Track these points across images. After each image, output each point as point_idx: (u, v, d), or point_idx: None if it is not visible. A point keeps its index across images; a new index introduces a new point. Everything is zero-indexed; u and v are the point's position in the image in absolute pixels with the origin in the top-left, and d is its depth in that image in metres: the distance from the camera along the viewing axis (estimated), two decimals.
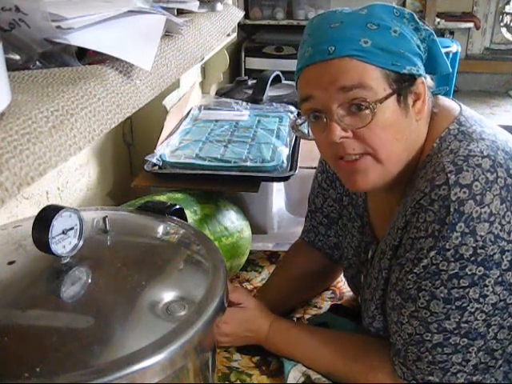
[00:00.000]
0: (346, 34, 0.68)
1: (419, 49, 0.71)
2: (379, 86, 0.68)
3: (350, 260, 0.93)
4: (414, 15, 0.72)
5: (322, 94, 0.69)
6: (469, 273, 0.65)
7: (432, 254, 0.66)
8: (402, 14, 0.71)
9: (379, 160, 0.71)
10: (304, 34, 0.74)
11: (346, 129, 0.69)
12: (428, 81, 0.74)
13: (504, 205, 0.64)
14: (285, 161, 1.12)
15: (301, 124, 0.77)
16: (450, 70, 0.77)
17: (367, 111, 0.68)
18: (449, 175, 0.65)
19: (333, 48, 0.68)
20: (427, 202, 0.67)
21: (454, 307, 0.66)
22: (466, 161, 0.66)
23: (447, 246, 0.65)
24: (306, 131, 0.77)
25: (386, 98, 0.68)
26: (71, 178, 1.07)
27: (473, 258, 0.64)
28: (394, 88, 0.69)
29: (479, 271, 0.64)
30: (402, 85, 0.69)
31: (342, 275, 1.05)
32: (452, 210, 0.64)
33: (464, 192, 0.64)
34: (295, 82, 0.76)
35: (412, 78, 0.70)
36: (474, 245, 0.64)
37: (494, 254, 0.64)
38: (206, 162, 1.12)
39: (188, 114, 1.45)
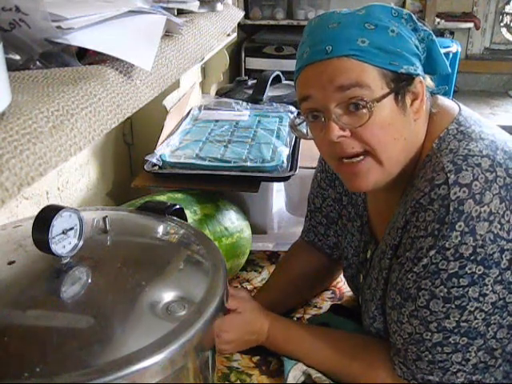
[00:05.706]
0: (343, 34, 0.68)
1: (417, 49, 0.71)
2: (377, 85, 0.68)
3: (349, 260, 0.93)
4: (413, 15, 0.73)
5: (319, 93, 0.70)
6: (468, 272, 0.65)
7: (432, 253, 0.66)
8: (400, 15, 0.71)
9: (379, 161, 0.71)
10: (303, 35, 0.75)
11: (343, 128, 0.69)
12: (428, 81, 0.74)
13: (503, 204, 0.64)
14: (285, 161, 1.12)
15: (299, 124, 0.78)
16: (450, 70, 0.77)
17: (364, 110, 0.68)
18: (448, 174, 0.66)
19: (330, 48, 0.68)
20: (427, 202, 0.67)
21: (453, 306, 0.67)
22: (465, 160, 0.66)
23: (447, 245, 0.65)
24: (305, 131, 0.77)
25: (384, 96, 0.68)
26: (71, 178, 1.07)
27: (472, 257, 0.64)
28: (391, 87, 0.69)
29: (479, 270, 0.65)
30: (400, 84, 0.70)
31: (342, 275, 1.05)
32: (452, 209, 0.64)
33: (464, 191, 0.64)
34: (294, 83, 0.76)
35: (410, 78, 0.70)
36: (473, 244, 0.64)
37: (494, 253, 0.64)
38: (206, 162, 1.12)
39: (188, 114, 1.45)
